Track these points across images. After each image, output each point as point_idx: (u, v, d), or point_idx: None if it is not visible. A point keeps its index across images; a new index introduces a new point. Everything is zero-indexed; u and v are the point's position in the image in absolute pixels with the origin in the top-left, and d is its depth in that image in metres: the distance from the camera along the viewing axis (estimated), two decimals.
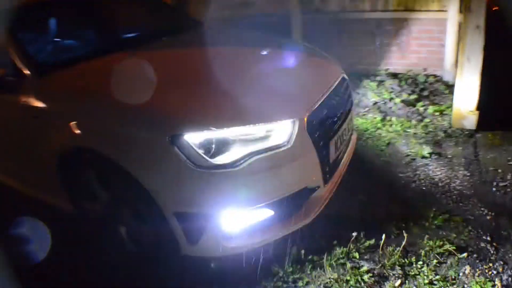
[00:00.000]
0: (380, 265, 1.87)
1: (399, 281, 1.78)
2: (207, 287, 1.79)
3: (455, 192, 2.40)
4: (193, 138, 1.63)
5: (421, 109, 3.39)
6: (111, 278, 1.88)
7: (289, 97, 1.93)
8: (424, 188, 2.47)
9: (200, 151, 1.63)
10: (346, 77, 2.44)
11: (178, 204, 1.68)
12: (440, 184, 2.48)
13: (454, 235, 2.04)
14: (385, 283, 1.78)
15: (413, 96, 3.57)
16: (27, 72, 2.00)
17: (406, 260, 1.89)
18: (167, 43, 2.51)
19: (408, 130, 3.11)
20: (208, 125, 1.65)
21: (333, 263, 1.87)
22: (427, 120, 3.23)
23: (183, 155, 1.62)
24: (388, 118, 3.33)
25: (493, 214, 2.17)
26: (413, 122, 3.22)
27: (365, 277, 1.79)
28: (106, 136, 1.77)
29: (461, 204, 2.29)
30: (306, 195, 1.90)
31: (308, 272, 1.85)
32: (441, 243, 1.96)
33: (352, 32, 4.28)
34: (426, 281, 1.75)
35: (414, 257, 1.90)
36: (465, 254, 1.88)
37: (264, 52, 2.40)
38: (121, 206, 1.91)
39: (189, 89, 1.85)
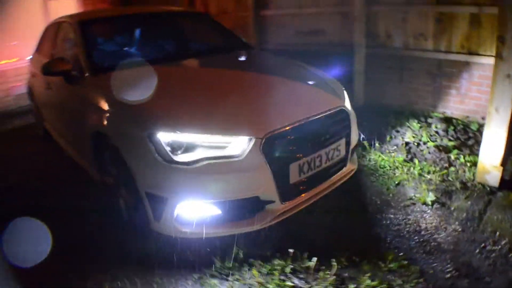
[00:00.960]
0: (308, 285, 2.00)
1: None
2: (151, 259, 2.18)
3: (433, 243, 2.31)
4: (163, 137, 2.05)
5: (454, 157, 3.20)
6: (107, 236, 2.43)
7: (258, 117, 2.21)
8: (404, 232, 2.44)
9: (167, 148, 2.05)
10: (346, 109, 2.56)
11: (148, 186, 2.12)
12: (423, 233, 2.41)
13: (400, 282, 2.02)
14: None
15: (452, 143, 3.37)
16: (86, 72, 2.72)
17: None
18: (199, 60, 3.03)
19: (425, 176, 3.00)
20: (175, 129, 2.06)
21: (266, 271, 2.07)
22: (452, 169, 3.05)
23: (154, 149, 2.05)
24: (413, 160, 3.24)
25: (457, 274, 2.06)
26: (436, 168, 3.08)
27: None
28: (114, 127, 2.32)
29: (430, 256, 2.22)
30: (258, 205, 2.14)
31: (243, 272, 2.09)
32: (379, 283, 1.98)
33: (413, 70, 4.20)
34: None
35: None
36: None
37: (270, 75, 2.71)
38: (121, 182, 2.44)
39: (177, 98, 2.31)
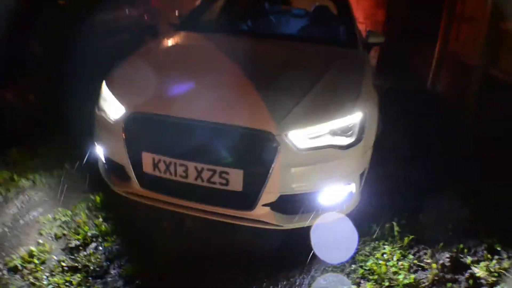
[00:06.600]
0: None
1: None
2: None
3: None
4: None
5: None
6: None
7: (162, 98, 2.15)
8: None
9: None
10: (273, 138, 1.90)
11: None
12: None
13: None
14: None
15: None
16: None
17: None
18: (275, 42, 3.23)
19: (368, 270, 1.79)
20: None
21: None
22: None
23: None
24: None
25: None
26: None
27: None
28: None
29: None
30: (125, 174, 2.15)
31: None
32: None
33: None
34: None
35: None
36: None
37: (270, 73, 2.45)
38: None
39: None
